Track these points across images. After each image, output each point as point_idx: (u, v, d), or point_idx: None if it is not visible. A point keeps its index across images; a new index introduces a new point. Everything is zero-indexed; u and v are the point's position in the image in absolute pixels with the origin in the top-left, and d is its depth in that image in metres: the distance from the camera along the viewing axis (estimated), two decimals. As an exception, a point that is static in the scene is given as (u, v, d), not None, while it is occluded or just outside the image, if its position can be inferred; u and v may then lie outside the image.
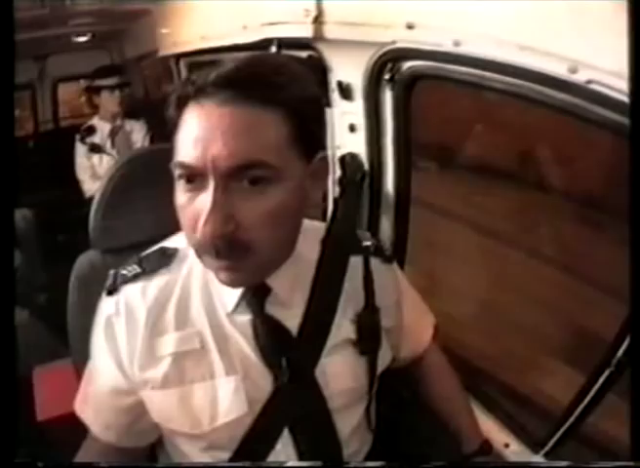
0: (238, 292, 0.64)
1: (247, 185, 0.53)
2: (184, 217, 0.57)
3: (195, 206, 0.55)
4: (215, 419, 0.64)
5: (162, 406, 0.66)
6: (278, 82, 0.54)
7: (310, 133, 0.57)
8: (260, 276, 0.62)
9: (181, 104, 0.56)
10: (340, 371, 0.68)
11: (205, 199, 0.53)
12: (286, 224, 0.58)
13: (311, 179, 0.59)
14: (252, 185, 0.53)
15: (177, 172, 0.56)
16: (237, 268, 0.57)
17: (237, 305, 0.65)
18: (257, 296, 0.65)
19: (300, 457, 0.67)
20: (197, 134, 0.54)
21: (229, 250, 0.55)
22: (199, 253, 0.59)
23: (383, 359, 0.73)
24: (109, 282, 0.69)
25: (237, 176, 0.53)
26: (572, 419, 0.77)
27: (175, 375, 0.65)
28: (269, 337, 0.65)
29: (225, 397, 0.64)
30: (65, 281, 0.92)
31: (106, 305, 0.68)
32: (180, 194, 0.56)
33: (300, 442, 0.67)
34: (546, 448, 0.81)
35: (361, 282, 0.72)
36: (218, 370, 0.65)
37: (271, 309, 0.65)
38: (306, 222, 0.72)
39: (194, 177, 0.54)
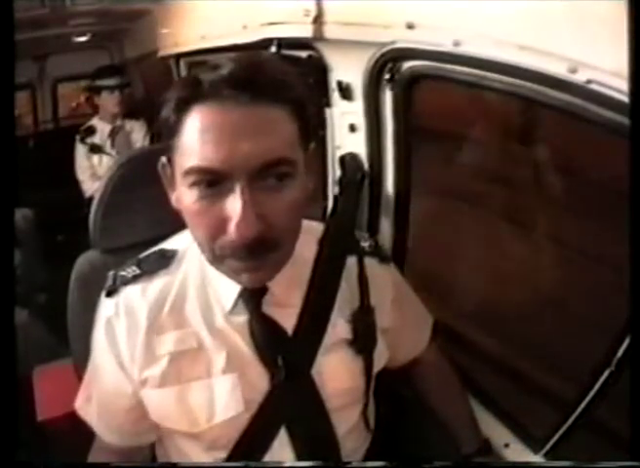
0: (236, 291, 0.65)
1: (273, 183, 0.54)
2: (203, 224, 0.56)
3: (219, 211, 0.54)
4: (212, 418, 0.65)
5: (160, 404, 0.66)
6: (285, 81, 0.56)
7: (309, 127, 0.59)
8: (276, 273, 0.62)
9: (183, 107, 0.55)
10: (336, 371, 0.68)
11: (232, 202, 0.53)
12: (300, 217, 0.60)
13: (306, 170, 0.60)
14: (278, 181, 0.54)
15: (191, 178, 0.54)
16: (260, 267, 0.58)
17: (235, 305, 0.65)
18: (254, 296, 0.65)
19: (297, 456, 0.67)
20: (216, 136, 0.52)
21: (261, 249, 0.55)
22: (221, 259, 0.57)
23: (379, 359, 0.73)
24: (109, 283, 0.69)
25: (263, 175, 0.53)
26: (572, 419, 0.77)
27: (172, 374, 0.65)
28: (265, 336, 0.65)
29: (222, 395, 0.64)
30: (65, 281, 0.92)
31: (106, 307, 0.68)
32: (195, 201, 0.55)
33: (297, 440, 0.67)
34: (546, 448, 0.81)
35: (356, 282, 0.72)
36: (214, 369, 0.65)
37: (267, 308, 0.66)
38: (304, 222, 0.72)
39: (215, 182, 0.53)
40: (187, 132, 0.54)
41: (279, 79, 0.56)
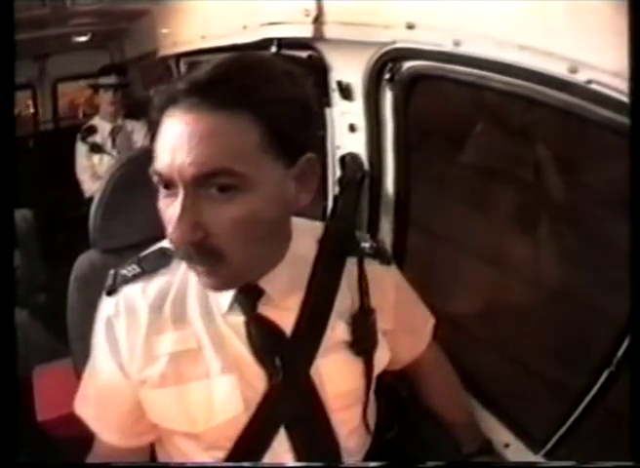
0: (231, 293, 0.65)
1: (215, 193, 0.53)
2: (164, 222, 0.57)
3: (169, 211, 0.55)
4: (210, 419, 0.65)
5: (159, 405, 0.66)
6: (246, 85, 0.53)
7: (286, 136, 0.55)
8: (238, 281, 0.62)
9: (162, 108, 0.56)
10: (335, 372, 0.68)
11: (175, 206, 0.54)
12: (261, 231, 0.57)
13: (297, 182, 0.59)
14: (220, 193, 0.53)
15: (154, 178, 0.56)
16: (211, 273, 0.58)
17: (231, 306, 0.65)
18: (249, 297, 0.65)
19: (297, 457, 0.67)
20: (168, 141, 0.54)
21: (200, 256, 0.55)
22: (179, 256, 0.60)
23: (380, 361, 0.73)
24: (109, 282, 0.69)
25: (204, 184, 0.53)
26: (572, 419, 0.77)
27: (171, 374, 0.65)
28: (263, 337, 0.65)
29: (221, 396, 0.64)
30: (65, 281, 0.92)
31: (106, 306, 0.68)
32: (161, 199, 0.57)
33: (297, 441, 0.67)
34: (546, 448, 0.81)
35: (356, 283, 0.71)
36: (213, 370, 0.65)
37: (265, 309, 0.66)
38: (304, 222, 0.72)
39: (169, 184, 0.55)
40: (159, 134, 0.56)
41: (242, 84, 0.53)
